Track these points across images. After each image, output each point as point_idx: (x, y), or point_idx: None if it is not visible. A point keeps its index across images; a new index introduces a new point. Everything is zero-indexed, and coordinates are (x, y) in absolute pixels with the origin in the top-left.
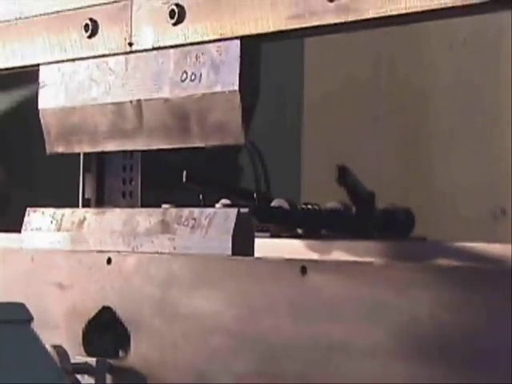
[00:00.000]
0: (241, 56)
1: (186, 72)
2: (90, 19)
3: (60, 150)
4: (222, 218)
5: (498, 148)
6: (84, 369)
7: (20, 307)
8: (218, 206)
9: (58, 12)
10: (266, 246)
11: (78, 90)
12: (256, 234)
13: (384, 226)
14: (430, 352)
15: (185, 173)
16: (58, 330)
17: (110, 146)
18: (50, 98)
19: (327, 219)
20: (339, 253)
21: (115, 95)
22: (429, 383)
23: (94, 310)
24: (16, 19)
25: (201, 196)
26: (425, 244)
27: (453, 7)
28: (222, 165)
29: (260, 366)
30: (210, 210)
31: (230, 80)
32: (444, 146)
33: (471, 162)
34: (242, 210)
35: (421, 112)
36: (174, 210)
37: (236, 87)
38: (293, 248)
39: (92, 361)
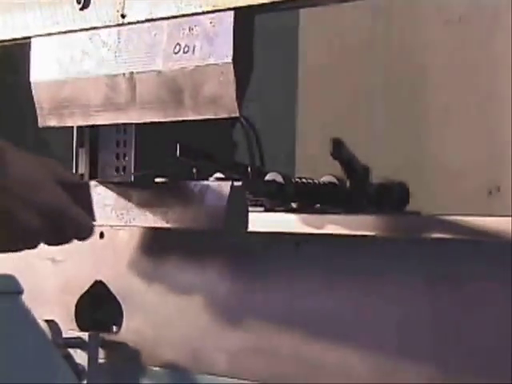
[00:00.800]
0: (234, 28)
1: (179, 44)
2: None
3: (52, 123)
4: (215, 191)
5: (494, 125)
6: (76, 343)
7: (10, 279)
8: (211, 179)
9: None
10: (259, 220)
11: (71, 62)
12: (250, 208)
13: (378, 201)
14: (423, 324)
15: (178, 147)
16: (51, 304)
17: (103, 119)
18: (42, 70)
19: (321, 193)
20: (333, 227)
21: (108, 68)
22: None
23: (87, 285)
24: None
25: (194, 170)
26: (419, 218)
27: None
28: (216, 139)
29: (253, 341)
30: (203, 184)
31: (223, 52)
32: (439, 122)
33: (466, 138)
34: (236, 184)
35: (416, 88)
36: (167, 184)
37: (230, 59)
38: (287, 222)
39: (84, 335)
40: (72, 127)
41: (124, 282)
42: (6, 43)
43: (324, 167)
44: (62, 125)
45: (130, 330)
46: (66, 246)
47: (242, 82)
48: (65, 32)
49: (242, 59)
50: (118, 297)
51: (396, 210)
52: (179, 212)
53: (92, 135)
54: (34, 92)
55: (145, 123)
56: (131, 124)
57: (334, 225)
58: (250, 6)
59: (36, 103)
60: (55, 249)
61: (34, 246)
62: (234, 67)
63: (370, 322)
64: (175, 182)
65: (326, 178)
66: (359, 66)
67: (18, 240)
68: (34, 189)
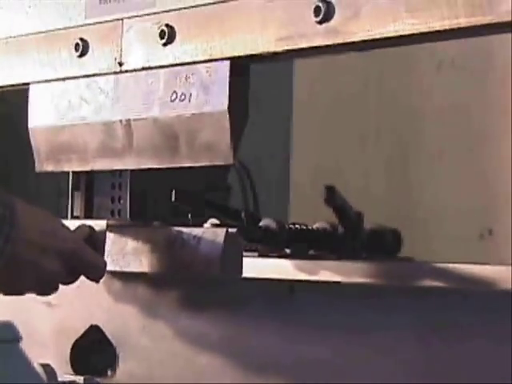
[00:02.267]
0: (230, 77)
1: (175, 92)
2: (81, 38)
3: (49, 168)
4: (210, 237)
5: (485, 168)
6: None
7: (9, 326)
8: (206, 225)
9: (49, 31)
10: (254, 266)
11: (68, 108)
12: (244, 253)
13: (371, 247)
14: (416, 373)
15: (174, 192)
16: (46, 348)
17: (100, 165)
18: (40, 116)
19: (315, 239)
20: (327, 273)
21: (105, 114)
22: None
23: (82, 329)
24: (6, 37)
25: (189, 215)
26: (411, 264)
27: (441, 31)
28: (211, 183)
29: None
30: (198, 230)
31: (219, 100)
32: (432, 166)
33: (459, 183)
34: (231, 230)
35: (409, 132)
36: (162, 230)
37: (225, 107)
38: (281, 268)
39: (80, 379)
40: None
41: (119, 327)
42: (4, 89)
43: (318, 213)
44: (59, 170)
45: (124, 374)
46: (61, 291)
47: (237, 130)
48: (63, 79)
49: (238, 107)
50: (112, 341)
51: (389, 256)
52: (174, 258)
53: (87, 178)
54: (31, 137)
55: (141, 169)
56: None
57: (327, 271)
58: (245, 56)
59: (33, 148)
60: None
61: (56, 288)
62: (229, 115)
63: (362, 370)
64: (170, 227)
65: (319, 224)
66: (352, 111)
67: (44, 284)
68: (51, 236)
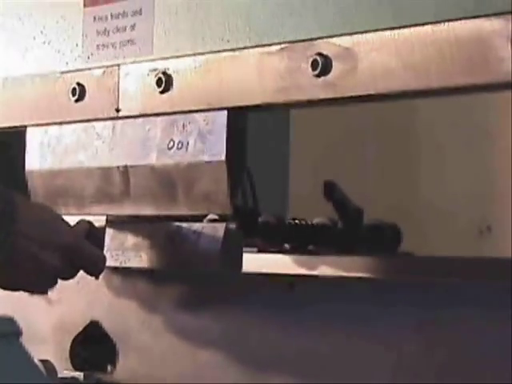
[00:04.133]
0: (228, 126)
1: (172, 140)
2: (78, 83)
3: None
4: (210, 232)
5: (484, 164)
6: (71, 383)
7: (9, 321)
8: (205, 221)
9: (46, 75)
10: (253, 261)
11: (65, 153)
12: (244, 249)
13: (371, 242)
14: (417, 368)
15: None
16: (46, 344)
17: (96, 210)
18: (37, 160)
19: (314, 234)
20: (326, 268)
21: (102, 160)
22: None
23: (82, 325)
24: (4, 78)
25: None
26: (411, 259)
27: (438, 89)
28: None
29: (248, 381)
30: (198, 225)
31: (216, 150)
32: (430, 162)
33: (457, 178)
34: (230, 225)
35: (407, 127)
36: (162, 225)
37: (223, 157)
38: (280, 263)
39: (80, 375)
40: None
41: (119, 322)
42: (2, 130)
43: (317, 209)
44: None
45: (124, 370)
46: (60, 287)
47: (234, 179)
48: (60, 123)
49: (235, 157)
50: (112, 337)
51: (388, 251)
52: (174, 253)
53: None
54: (28, 180)
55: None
56: None
57: (327, 266)
58: (243, 107)
59: (31, 191)
60: None
61: (55, 283)
62: (226, 165)
63: (363, 364)
64: (170, 223)
65: (318, 219)
66: (352, 106)
67: (44, 279)
68: (51, 230)
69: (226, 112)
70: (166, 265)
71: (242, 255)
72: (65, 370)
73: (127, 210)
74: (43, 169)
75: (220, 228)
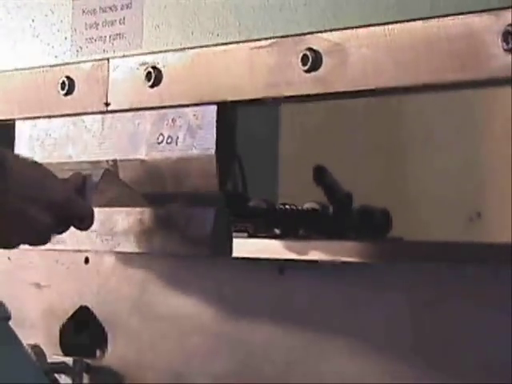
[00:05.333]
0: (217, 121)
1: (162, 134)
2: (67, 77)
3: None
4: (200, 216)
5: (474, 150)
6: (61, 368)
7: None
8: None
9: (35, 68)
10: (243, 246)
11: (54, 147)
12: (234, 234)
13: (361, 227)
14: (406, 352)
15: None
16: (35, 329)
17: None
18: (26, 153)
19: (305, 219)
20: (316, 253)
21: (91, 154)
22: (405, 383)
23: (72, 310)
24: None
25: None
26: (401, 244)
27: (428, 85)
28: None
29: (238, 366)
30: (187, 210)
31: (206, 144)
32: (420, 148)
33: (447, 164)
34: (220, 209)
35: (397, 113)
36: (151, 210)
37: (213, 152)
38: (270, 248)
39: (69, 360)
40: None
41: (108, 308)
42: None
43: (307, 195)
44: None
45: (114, 355)
46: (49, 272)
47: (224, 174)
48: (49, 116)
49: (225, 151)
50: (102, 322)
51: (378, 236)
52: (164, 237)
53: None
54: None
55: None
56: None
57: (317, 251)
58: (233, 101)
59: None
60: (40, 274)
61: (47, 239)
62: (216, 159)
63: (354, 348)
64: (160, 207)
65: (309, 204)
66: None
67: (34, 235)
68: (39, 187)
69: (215, 106)
70: (156, 249)
71: (232, 240)
72: (54, 355)
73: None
74: None
75: (210, 212)
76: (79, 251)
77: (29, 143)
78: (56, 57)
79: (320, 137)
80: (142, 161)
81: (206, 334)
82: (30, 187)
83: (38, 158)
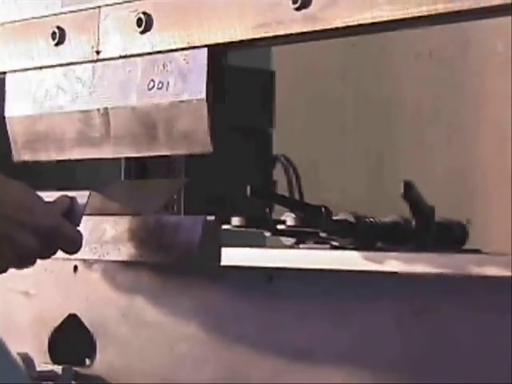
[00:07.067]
0: (208, 64)
1: (153, 80)
2: (58, 27)
3: (26, 157)
4: (189, 225)
5: (463, 158)
6: (50, 376)
7: None
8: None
9: (25, 20)
10: (232, 255)
11: (45, 97)
12: (317, 246)
13: (439, 240)
14: (394, 361)
15: (249, 187)
16: (24, 337)
17: (77, 154)
18: (17, 106)
19: (388, 232)
20: (305, 261)
21: (82, 103)
22: None
23: (60, 318)
24: None
25: (267, 210)
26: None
27: (419, 17)
28: (258, 179)
29: (226, 373)
30: (177, 218)
31: (197, 88)
32: (409, 156)
33: (436, 172)
34: (209, 218)
35: (387, 124)
36: (140, 218)
37: (203, 95)
38: (259, 256)
39: (58, 369)
40: None
41: (97, 316)
42: None
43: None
44: (36, 159)
45: (103, 363)
46: (38, 280)
47: (215, 118)
48: (40, 67)
49: (216, 95)
50: (91, 330)
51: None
52: (153, 246)
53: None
54: (8, 127)
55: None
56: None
57: (305, 259)
58: (223, 44)
59: (11, 138)
60: (28, 282)
61: (32, 263)
62: (207, 103)
63: (340, 356)
64: (149, 216)
65: (390, 218)
66: (330, 98)
67: (19, 260)
68: (27, 211)
69: (206, 50)
70: (145, 258)
71: (220, 248)
72: (43, 363)
73: (108, 152)
74: (23, 115)
75: (198, 221)
76: (68, 259)
77: (20, 95)
78: (47, 7)
79: (309, 142)
80: (133, 108)
81: (195, 342)
82: (17, 211)
83: (30, 110)
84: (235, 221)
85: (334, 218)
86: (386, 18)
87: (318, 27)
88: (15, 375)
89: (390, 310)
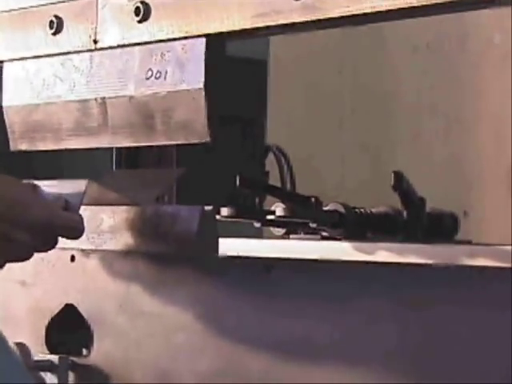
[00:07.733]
0: (206, 54)
1: (151, 70)
2: (55, 16)
3: (23, 147)
4: (186, 215)
5: (460, 150)
6: (46, 366)
7: None
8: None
9: (23, 8)
10: (230, 245)
11: (43, 87)
12: (308, 236)
13: (430, 230)
14: (391, 351)
15: (239, 178)
16: (21, 327)
17: (74, 144)
18: (14, 95)
19: (378, 222)
20: (303, 252)
21: (80, 92)
22: (389, 383)
23: (57, 308)
24: None
25: (257, 200)
26: (383, 244)
27: (418, 6)
28: (250, 169)
29: (224, 363)
30: (173, 208)
31: (195, 78)
32: (407, 147)
33: (433, 163)
34: (206, 208)
35: (384, 116)
36: (138, 208)
37: (201, 85)
38: (257, 247)
39: (54, 358)
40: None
41: (94, 306)
42: None
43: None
44: (34, 149)
45: (100, 353)
46: (35, 270)
47: (213, 108)
48: (37, 56)
49: (214, 85)
50: (88, 320)
51: (446, 238)
52: (150, 236)
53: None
54: (5, 116)
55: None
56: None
57: (303, 250)
58: (221, 33)
59: (8, 127)
60: (25, 272)
61: (29, 258)
62: (205, 93)
63: (338, 346)
64: (146, 206)
65: (380, 208)
66: (328, 91)
67: (15, 256)
68: (21, 208)
69: (204, 39)
70: (142, 247)
71: (218, 239)
72: (40, 353)
73: (105, 142)
74: (21, 104)
75: (196, 211)
76: (65, 249)
77: (17, 85)
78: None
79: (306, 136)
80: (131, 97)
81: (192, 332)
82: (11, 208)
83: (27, 100)
84: (224, 211)
85: (325, 208)
86: (384, 8)
87: (316, 17)
88: (12, 365)
89: (389, 299)
